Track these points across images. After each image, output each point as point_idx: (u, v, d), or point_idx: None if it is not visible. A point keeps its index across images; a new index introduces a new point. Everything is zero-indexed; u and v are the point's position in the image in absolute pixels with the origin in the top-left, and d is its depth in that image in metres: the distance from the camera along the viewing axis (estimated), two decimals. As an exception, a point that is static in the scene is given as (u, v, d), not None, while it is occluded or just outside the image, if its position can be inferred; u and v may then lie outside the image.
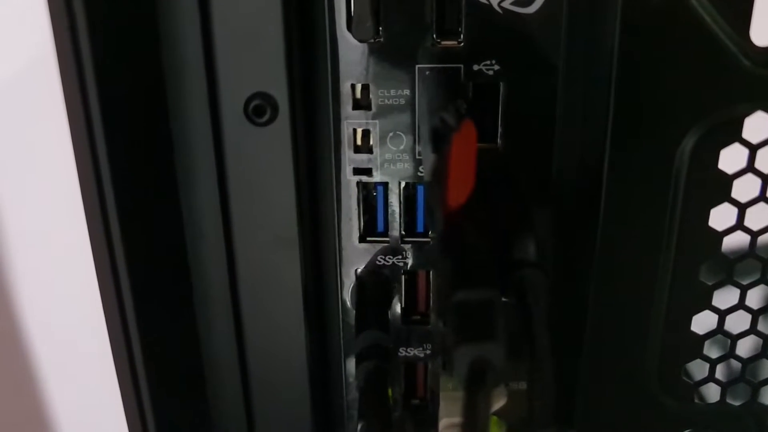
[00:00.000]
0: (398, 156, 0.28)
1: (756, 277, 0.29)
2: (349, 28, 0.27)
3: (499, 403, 0.30)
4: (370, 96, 0.28)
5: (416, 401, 0.33)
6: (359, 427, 0.28)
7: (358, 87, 0.28)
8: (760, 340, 0.30)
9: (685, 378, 0.31)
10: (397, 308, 0.31)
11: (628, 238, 0.28)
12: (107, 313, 0.27)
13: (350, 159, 0.29)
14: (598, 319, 0.30)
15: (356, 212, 0.29)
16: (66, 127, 0.24)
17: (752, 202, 0.28)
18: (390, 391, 0.30)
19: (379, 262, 0.30)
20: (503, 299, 0.28)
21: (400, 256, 0.30)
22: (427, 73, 0.27)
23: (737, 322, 0.30)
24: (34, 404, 0.72)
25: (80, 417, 0.73)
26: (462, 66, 0.27)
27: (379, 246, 0.30)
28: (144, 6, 0.26)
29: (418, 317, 0.31)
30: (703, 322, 0.30)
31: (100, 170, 0.25)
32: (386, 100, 0.28)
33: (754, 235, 0.28)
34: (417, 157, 0.28)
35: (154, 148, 0.27)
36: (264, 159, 0.27)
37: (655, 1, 0.25)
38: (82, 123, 0.24)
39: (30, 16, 0.52)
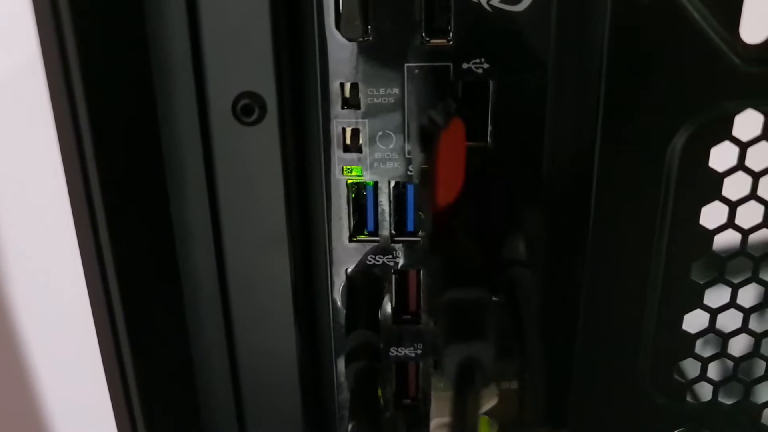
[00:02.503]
0: (388, 155, 0.28)
1: (747, 275, 0.29)
2: (337, 27, 0.27)
3: (489, 403, 0.30)
4: (359, 95, 0.27)
5: (407, 401, 0.33)
6: (350, 427, 0.27)
7: (347, 86, 0.28)
8: (752, 339, 0.30)
9: (677, 377, 0.31)
10: (388, 308, 0.31)
11: (619, 237, 0.28)
12: (95, 314, 0.27)
13: (339, 158, 0.29)
14: (590, 317, 0.30)
15: (346, 212, 0.29)
16: (53, 127, 0.24)
17: (743, 200, 0.28)
18: (381, 391, 0.30)
19: (370, 261, 0.30)
20: (494, 298, 0.28)
21: (390, 256, 0.30)
22: (417, 71, 0.27)
23: (729, 321, 0.30)
24: (24, 402, 0.72)
25: (71, 416, 0.73)
26: (451, 64, 0.27)
27: (369, 245, 0.30)
28: (131, 5, 0.25)
29: (409, 317, 0.31)
30: (695, 321, 0.30)
31: (88, 170, 0.25)
32: (375, 99, 0.27)
33: (744, 233, 0.28)
34: (407, 156, 0.28)
35: (142, 148, 0.27)
36: (253, 158, 0.27)
37: (644, -1, 0.25)
38: (69, 123, 0.24)
39: (17, 16, 0.52)
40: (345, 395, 0.32)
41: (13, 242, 0.65)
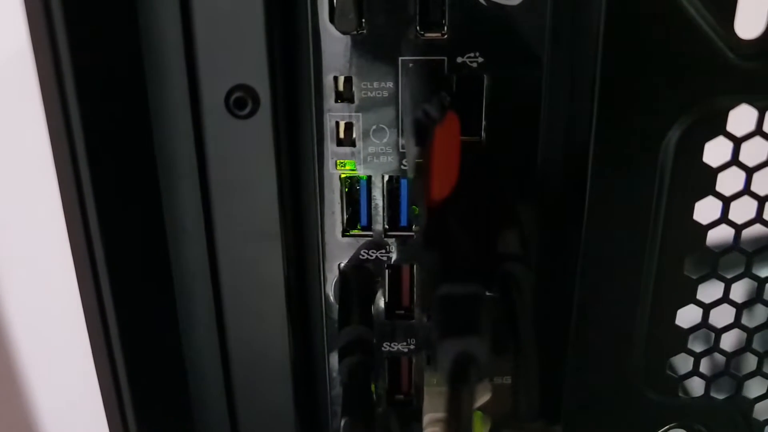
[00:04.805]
0: (381, 149, 0.28)
1: (740, 270, 0.29)
2: (331, 20, 0.26)
3: (483, 398, 0.30)
4: (353, 89, 0.27)
5: (400, 397, 0.33)
6: (342, 423, 0.27)
7: (341, 79, 0.27)
8: (744, 334, 0.30)
9: (669, 372, 0.31)
10: (381, 303, 0.31)
11: (613, 231, 0.28)
12: (86, 310, 0.26)
13: (333, 152, 0.28)
14: (584, 313, 0.30)
15: (339, 206, 0.29)
16: (43, 118, 0.24)
17: (736, 196, 0.28)
18: (374, 386, 0.30)
19: (363, 256, 0.30)
20: (488, 293, 0.28)
21: (383, 250, 0.30)
22: (411, 65, 0.27)
23: (721, 316, 0.30)
24: (15, 404, 0.72)
25: (62, 417, 0.73)
26: (446, 58, 0.27)
27: (362, 240, 0.30)
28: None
29: (402, 312, 0.31)
30: (687, 316, 0.30)
31: (79, 165, 0.24)
32: (369, 93, 0.27)
33: (738, 228, 0.28)
34: (400, 150, 0.28)
35: (133, 142, 0.27)
36: (245, 152, 0.27)
37: (640, -7, 0.25)
38: (59, 116, 0.24)
39: (7, 10, 0.52)
40: (337, 390, 0.32)
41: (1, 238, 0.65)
